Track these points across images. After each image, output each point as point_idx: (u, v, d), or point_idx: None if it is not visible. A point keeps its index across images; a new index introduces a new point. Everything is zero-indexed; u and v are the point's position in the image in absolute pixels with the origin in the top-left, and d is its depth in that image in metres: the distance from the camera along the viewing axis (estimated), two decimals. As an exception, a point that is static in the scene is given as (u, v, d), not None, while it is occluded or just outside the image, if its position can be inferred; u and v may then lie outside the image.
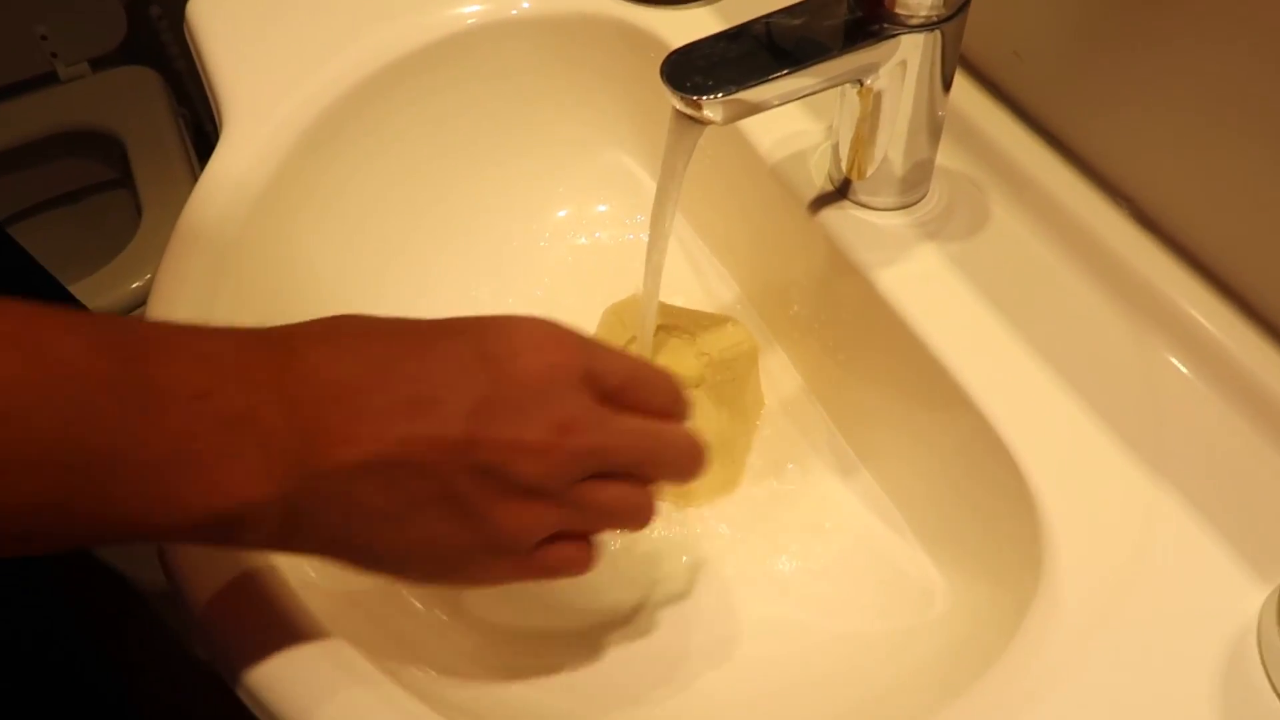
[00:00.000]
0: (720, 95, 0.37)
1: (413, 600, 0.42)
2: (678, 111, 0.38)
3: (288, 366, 0.28)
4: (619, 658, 0.44)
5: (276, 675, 0.32)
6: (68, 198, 1.37)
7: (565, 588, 0.46)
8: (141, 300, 1.12)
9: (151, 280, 1.14)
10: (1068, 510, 0.37)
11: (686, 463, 0.34)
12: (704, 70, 0.37)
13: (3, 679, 0.63)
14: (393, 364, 0.29)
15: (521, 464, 0.29)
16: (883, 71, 0.40)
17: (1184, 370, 0.40)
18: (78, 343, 0.25)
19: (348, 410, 0.28)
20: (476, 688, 0.39)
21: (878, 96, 0.41)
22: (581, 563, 0.33)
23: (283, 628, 0.34)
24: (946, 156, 0.47)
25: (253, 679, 0.32)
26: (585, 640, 0.44)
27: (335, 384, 0.28)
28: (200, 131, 1.58)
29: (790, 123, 0.50)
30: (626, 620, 0.45)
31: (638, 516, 0.34)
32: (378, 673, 0.33)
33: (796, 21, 0.39)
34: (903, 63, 0.40)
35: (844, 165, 0.46)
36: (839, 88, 0.41)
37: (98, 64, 1.35)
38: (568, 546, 0.32)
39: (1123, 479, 0.37)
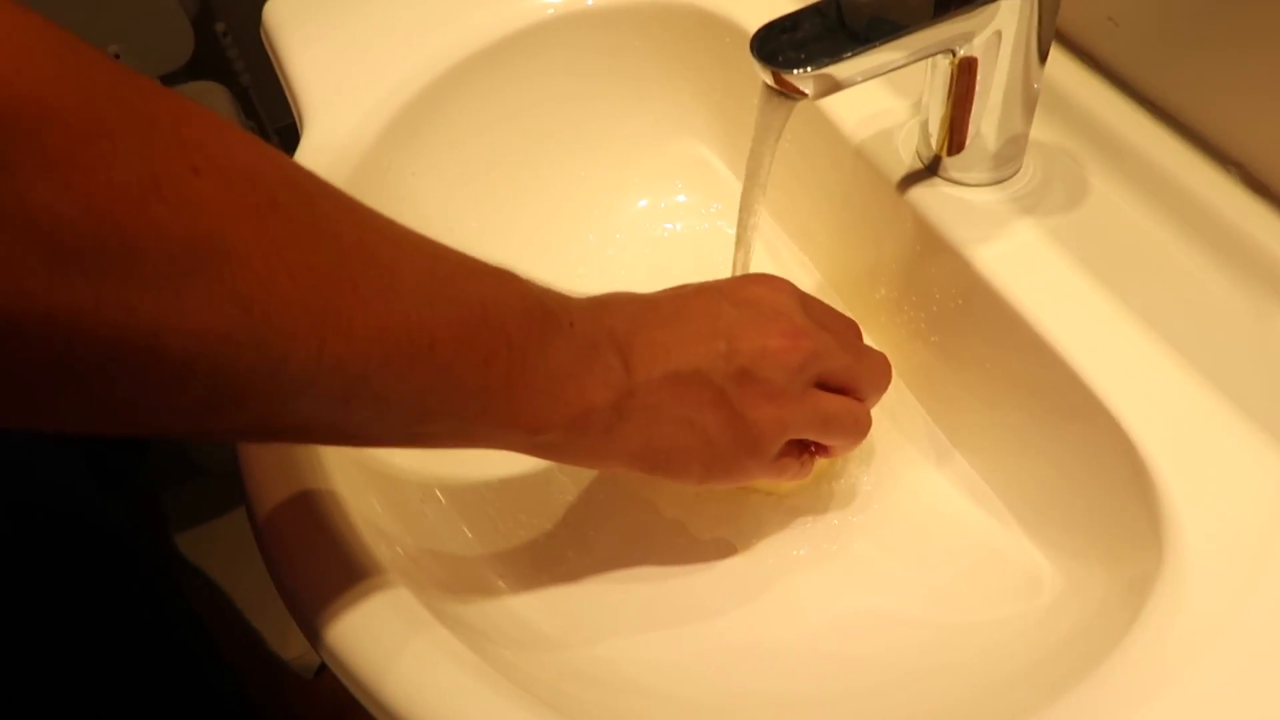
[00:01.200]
0: (812, 69, 0.36)
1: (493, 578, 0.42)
2: (768, 88, 0.37)
3: (607, 314, 0.37)
4: (706, 647, 0.43)
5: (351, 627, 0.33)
6: (141, 212, 1.40)
7: (658, 578, 0.45)
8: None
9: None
10: (1189, 488, 0.35)
11: (882, 371, 0.44)
12: (795, 44, 0.37)
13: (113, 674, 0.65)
14: (669, 311, 0.39)
15: (768, 366, 0.38)
16: (977, 41, 0.39)
17: (1307, 341, 0.38)
18: (518, 280, 0.34)
19: (648, 340, 0.37)
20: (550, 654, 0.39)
21: (971, 67, 0.40)
22: (806, 471, 0.43)
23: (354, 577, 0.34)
24: (1039, 129, 0.45)
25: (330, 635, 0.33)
26: (673, 630, 0.44)
27: (638, 325, 0.37)
28: (268, 142, 1.61)
29: (874, 101, 0.48)
30: (717, 611, 0.45)
31: (857, 426, 0.42)
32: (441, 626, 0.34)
33: (886, -8, 0.38)
34: (998, 31, 0.39)
35: (934, 141, 0.44)
36: (929, 60, 0.40)
37: (168, 80, 1.38)
38: (794, 460, 0.41)
39: (1247, 454, 0.36)
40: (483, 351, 0.31)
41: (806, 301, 0.41)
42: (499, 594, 0.43)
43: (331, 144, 0.51)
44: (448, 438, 0.33)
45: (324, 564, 0.35)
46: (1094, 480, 0.39)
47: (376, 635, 0.33)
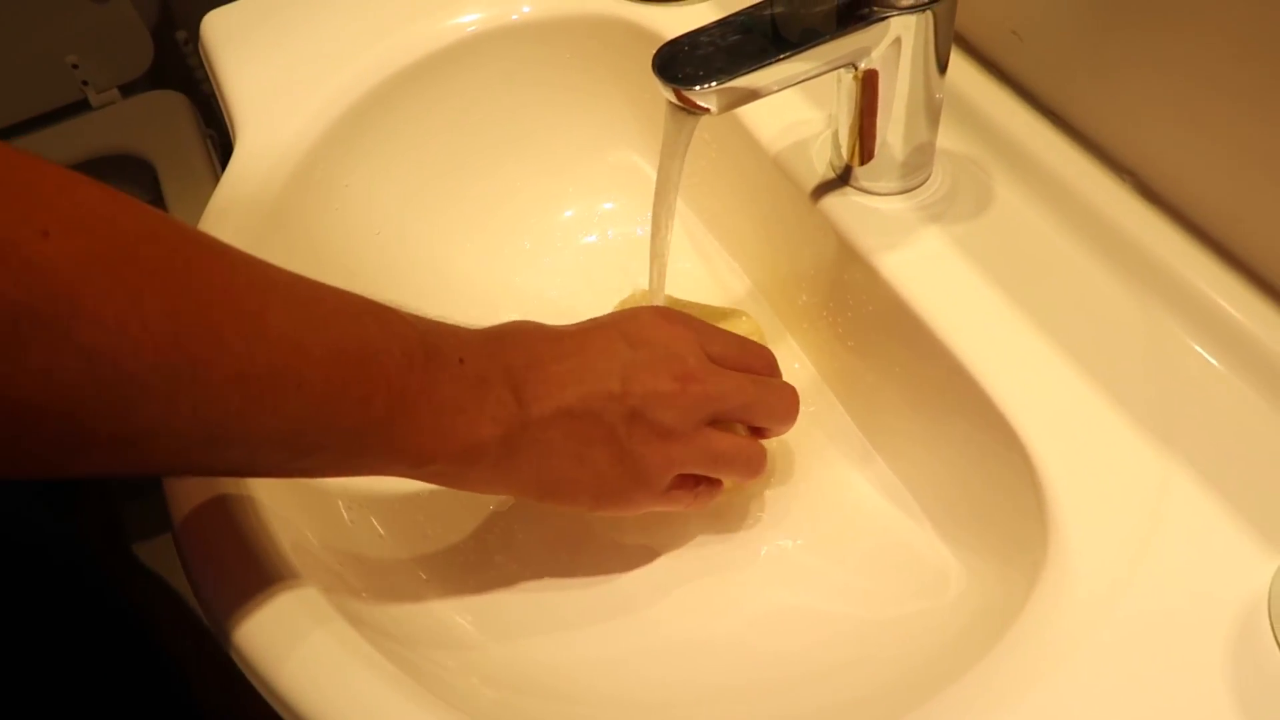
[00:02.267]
0: (713, 84, 0.38)
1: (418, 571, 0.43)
2: (671, 104, 0.39)
3: (504, 349, 0.38)
4: (628, 644, 0.44)
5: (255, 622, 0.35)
6: (102, 222, 1.40)
7: (583, 571, 0.47)
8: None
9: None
10: (1074, 485, 0.36)
11: (785, 407, 0.44)
12: (695, 61, 0.38)
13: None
14: (569, 347, 0.39)
15: (658, 408, 0.39)
16: (876, 55, 0.40)
17: (1192, 344, 0.40)
18: (403, 319, 0.35)
19: (543, 376, 0.38)
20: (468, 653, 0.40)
21: (872, 80, 0.42)
22: (698, 503, 0.43)
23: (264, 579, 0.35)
24: (948, 139, 0.47)
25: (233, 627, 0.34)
26: (599, 627, 0.45)
27: (535, 361, 0.38)
28: (227, 152, 1.61)
29: (791, 112, 0.50)
30: (636, 607, 0.46)
31: (748, 465, 0.43)
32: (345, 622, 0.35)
33: (787, 8, 0.40)
34: (896, 44, 0.40)
35: (844, 152, 0.46)
36: (835, 74, 0.42)
37: (127, 90, 1.38)
38: (686, 493, 0.42)
39: (1132, 453, 0.37)
40: (358, 391, 0.32)
41: (709, 339, 0.42)
42: (424, 598, 0.43)
43: (265, 155, 0.52)
44: (331, 469, 0.34)
45: (235, 565, 0.36)
46: (991, 479, 0.41)
47: (278, 629, 0.34)
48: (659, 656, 0.44)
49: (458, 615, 0.43)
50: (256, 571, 0.35)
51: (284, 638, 0.33)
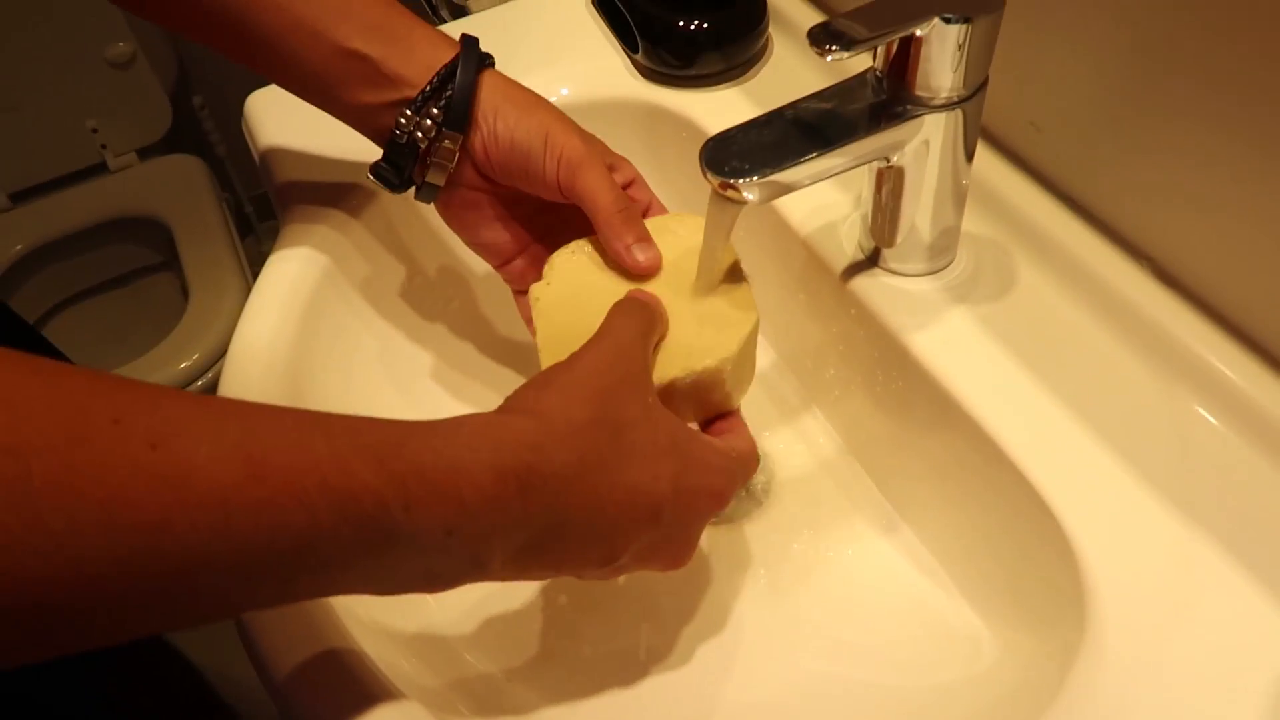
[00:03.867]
0: (756, 178, 0.40)
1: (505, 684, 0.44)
2: (716, 193, 0.41)
3: (523, 510, 0.32)
4: (661, 714, 0.45)
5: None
6: (116, 281, 1.42)
7: (611, 643, 0.48)
8: (190, 379, 1.16)
9: (199, 360, 1.17)
10: (1107, 559, 0.38)
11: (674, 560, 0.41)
12: (740, 154, 0.40)
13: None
14: (601, 508, 0.35)
15: (634, 570, 0.38)
16: (908, 149, 0.43)
17: (1211, 420, 0.42)
18: (365, 480, 0.28)
19: (554, 544, 0.34)
20: None
21: (903, 171, 0.44)
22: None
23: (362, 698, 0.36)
24: (972, 223, 0.49)
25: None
26: (629, 698, 0.46)
27: (553, 525, 0.33)
28: (241, 214, 1.64)
29: (820, 195, 0.52)
30: (667, 670, 0.47)
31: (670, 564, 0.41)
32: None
33: (825, 106, 0.42)
34: (926, 140, 0.42)
35: (873, 235, 0.48)
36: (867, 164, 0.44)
37: (145, 153, 1.41)
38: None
39: (1159, 527, 0.39)
40: (286, 569, 0.28)
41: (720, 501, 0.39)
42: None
43: (307, 238, 0.54)
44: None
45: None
46: (1025, 554, 0.42)
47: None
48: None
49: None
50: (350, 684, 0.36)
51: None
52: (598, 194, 0.44)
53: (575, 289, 0.45)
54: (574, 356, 0.37)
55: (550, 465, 0.33)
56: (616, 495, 0.35)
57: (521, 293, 0.50)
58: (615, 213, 0.44)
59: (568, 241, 0.47)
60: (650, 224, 0.46)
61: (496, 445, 0.32)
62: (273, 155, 0.60)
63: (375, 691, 0.36)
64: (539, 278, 0.46)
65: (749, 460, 0.42)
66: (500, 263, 0.49)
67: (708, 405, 0.44)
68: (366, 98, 0.45)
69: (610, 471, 0.35)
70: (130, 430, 0.25)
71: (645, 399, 0.37)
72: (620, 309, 0.41)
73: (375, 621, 0.42)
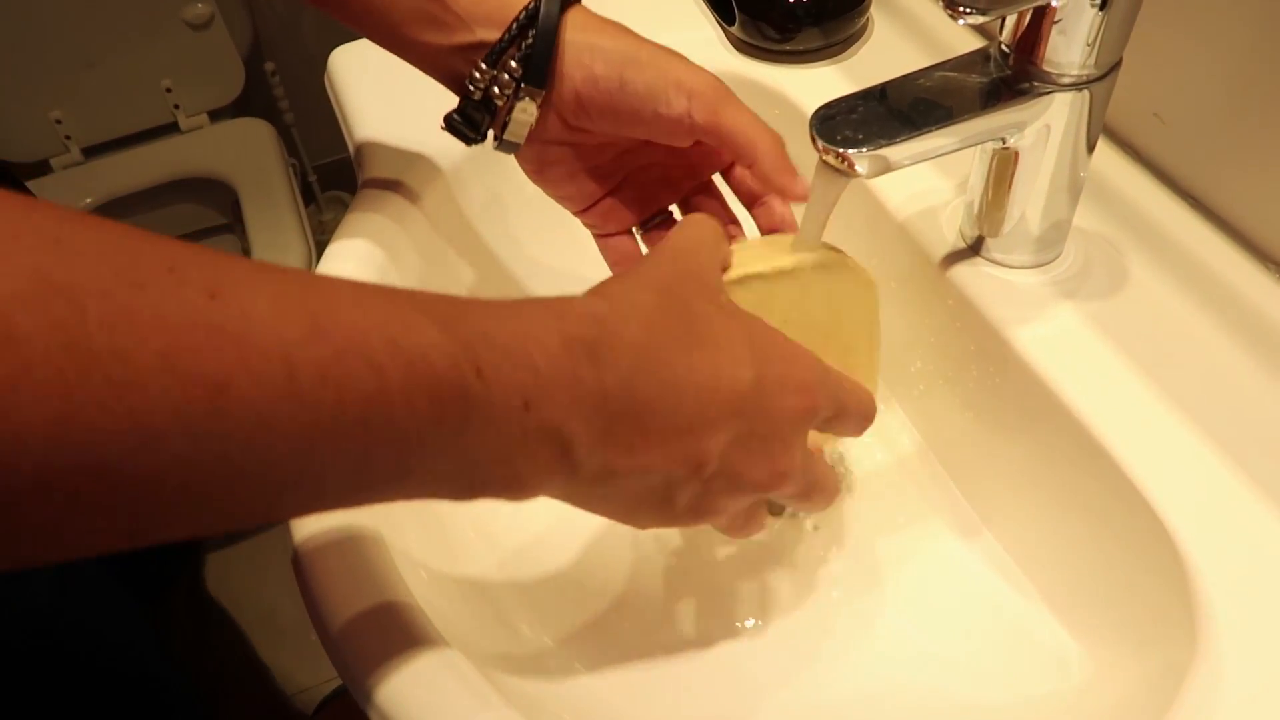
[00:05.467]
0: (868, 149, 0.38)
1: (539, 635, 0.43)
2: (824, 164, 0.39)
3: (599, 373, 0.30)
4: (712, 707, 0.43)
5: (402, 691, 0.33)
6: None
7: (692, 635, 0.46)
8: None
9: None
10: (1222, 577, 0.35)
11: (825, 504, 0.40)
12: (853, 124, 0.38)
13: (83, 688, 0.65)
14: (679, 390, 0.32)
15: (730, 497, 0.35)
16: (1028, 131, 0.40)
17: (1341, 438, 0.39)
18: (434, 339, 0.26)
19: (635, 430, 0.31)
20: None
21: (1019, 155, 0.42)
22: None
23: (409, 647, 0.34)
24: (1081, 216, 0.46)
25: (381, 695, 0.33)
26: (699, 688, 0.44)
27: (631, 404, 0.31)
28: (304, 181, 1.65)
29: (920, 179, 0.50)
30: (723, 662, 0.45)
31: (749, 531, 0.39)
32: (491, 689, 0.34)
33: (942, 79, 0.40)
34: (1048, 125, 0.40)
35: (979, 222, 0.46)
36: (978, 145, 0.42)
37: (216, 115, 1.42)
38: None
39: (1278, 544, 0.36)
40: (357, 440, 0.25)
41: (830, 404, 0.37)
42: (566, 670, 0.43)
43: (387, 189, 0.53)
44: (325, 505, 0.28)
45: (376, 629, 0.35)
46: (1126, 565, 0.40)
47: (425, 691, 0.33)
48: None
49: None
50: (399, 633, 0.35)
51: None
52: (750, 128, 0.40)
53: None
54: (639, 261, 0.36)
55: (619, 338, 0.31)
56: (695, 377, 0.32)
57: (604, 236, 0.47)
58: (775, 146, 0.41)
59: (651, 186, 0.44)
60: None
61: (560, 314, 0.30)
62: (354, 113, 0.59)
63: (423, 641, 0.34)
64: (618, 225, 0.44)
65: (858, 390, 0.38)
66: (580, 209, 0.47)
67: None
68: (434, 38, 0.41)
69: (684, 351, 0.32)
70: (186, 278, 0.23)
71: (715, 295, 0.35)
72: (684, 223, 0.39)
73: (432, 571, 0.40)
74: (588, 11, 0.42)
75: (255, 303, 0.23)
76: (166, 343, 0.22)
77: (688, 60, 0.42)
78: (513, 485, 0.30)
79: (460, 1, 0.41)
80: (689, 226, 0.39)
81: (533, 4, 0.40)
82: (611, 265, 0.47)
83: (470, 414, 0.27)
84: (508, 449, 0.28)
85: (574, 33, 0.41)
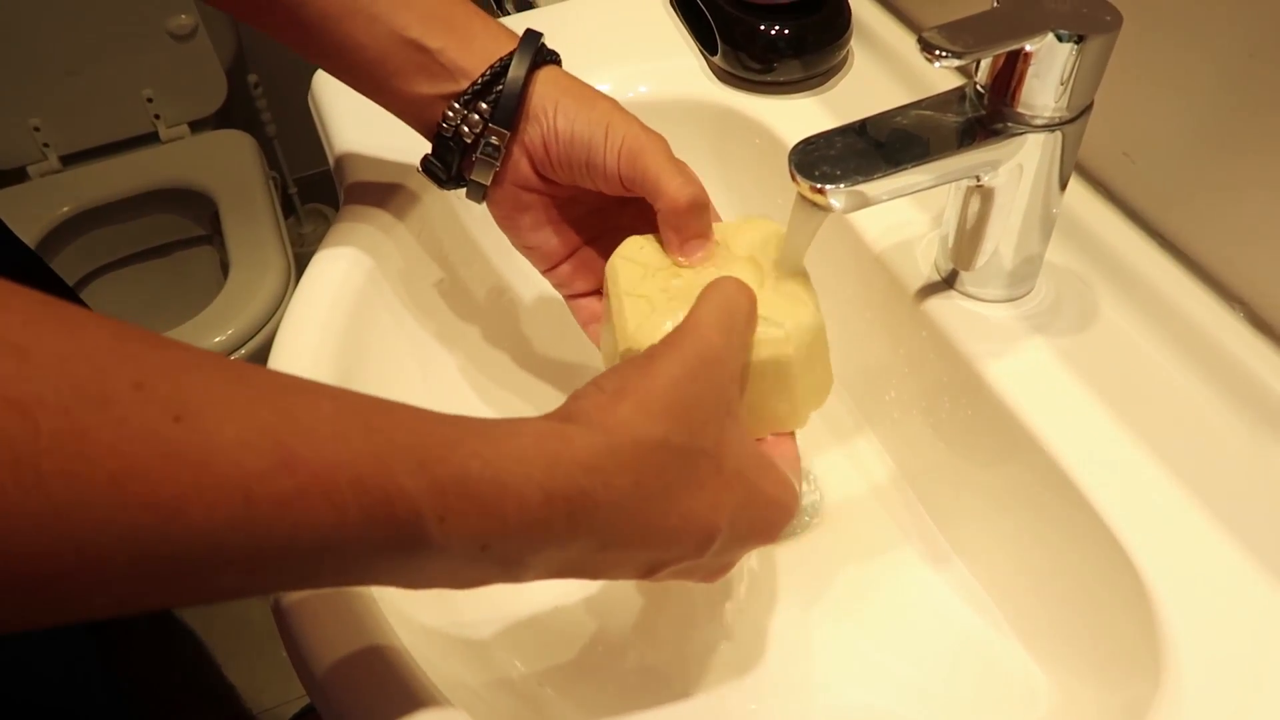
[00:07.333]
0: (845, 185, 0.38)
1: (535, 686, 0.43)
2: (802, 197, 0.39)
3: (570, 533, 0.30)
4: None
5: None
6: (157, 250, 1.42)
7: (648, 660, 0.46)
8: (225, 353, 1.15)
9: (233, 335, 1.17)
10: (1186, 611, 0.36)
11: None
12: (831, 160, 0.39)
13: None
14: (651, 531, 0.33)
15: (679, 579, 0.37)
16: (1002, 170, 0.41)
17: (1302, 476, 0.40)
18: (401, 484, 0.27)
19: (594, 557, 0.32)
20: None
21: (993, 193, 0.42)
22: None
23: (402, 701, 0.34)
24: (1054, 252, 0.47)
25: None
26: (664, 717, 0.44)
27: (598, 546, 0.32)
28: (285, 194, 1.64)
29: (897, 212, 0.51)
30: (704, 691, 0.45)
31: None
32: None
33: (918, 117, 0.41)
34: (1021, 163, 0.41)
35: (953, 256, 0.46)
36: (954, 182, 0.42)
37: (197, 126, 1.41)
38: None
39: (1244, 580, 0.37)
40: (305, 565, 0.26)
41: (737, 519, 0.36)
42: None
43: (369, 215, 0.53)
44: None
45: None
46: (1093, 598, 0.40)
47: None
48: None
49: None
50: (389, 680, 0.34)
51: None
52: (661, 174, 0.41)
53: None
54: (655, 356, 0.33)
55: (606, 492, 0.31)
56: (670, 521, 0.33)
57: (571, 297, 0.48)
58: (680, 199, 0.41)
59: (618, 246, 0.45)
60: (717, 228, 0.44)
61: (551, 463, 0.30)
62: (336, 128, 0.59)
63: (415, 692, 0.34)
64: (586, 284, 0.44)
65: (795, 496, 0.39)
66: (548, 267, 0.47)
67: (769, 416, 0.42)
68: (421, 89, 0.44)
69: (670, 499, 0.33)
70: (152, 397, 0.23)
71: (724, 419, 0.35)
72: (712, 295, 0.36)
73: (416, 619, 0.40)
74: (561, 71, 0.45)
75: (222, 429, 0.23)
76: (120, 467, 0.22)
77: (629, 115, 0.43)
78: (460, 586, 0.31)
79: (448, 53, 0.43)
80: (721, 308, 0.36)
81: (509, 54, 0.43)
82: (582, 325, 0.48)
83: (424, 551, 0.28)
84: (459, 571, 0.30)
85: (544, 85, 0.43)
